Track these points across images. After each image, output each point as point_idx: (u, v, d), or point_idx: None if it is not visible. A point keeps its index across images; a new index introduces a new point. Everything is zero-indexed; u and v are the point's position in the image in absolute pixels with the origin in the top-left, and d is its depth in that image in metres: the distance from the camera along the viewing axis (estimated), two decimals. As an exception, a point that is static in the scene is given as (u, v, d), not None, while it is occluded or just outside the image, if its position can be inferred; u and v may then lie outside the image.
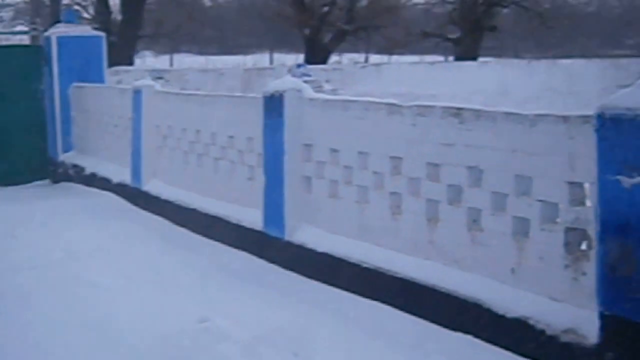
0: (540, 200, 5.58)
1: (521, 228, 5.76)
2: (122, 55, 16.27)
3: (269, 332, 6.17)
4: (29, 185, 14.59)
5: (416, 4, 32.01)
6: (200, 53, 40.09)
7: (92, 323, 6.55)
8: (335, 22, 27.32)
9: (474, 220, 6.14)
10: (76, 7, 23.75)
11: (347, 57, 31.11)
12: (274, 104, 8.19)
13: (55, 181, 14.65)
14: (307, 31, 26.24)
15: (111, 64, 16.83)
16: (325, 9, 27.42)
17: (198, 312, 6.53)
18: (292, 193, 8.09)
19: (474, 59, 24.72)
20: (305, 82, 8.09)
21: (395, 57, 22.56)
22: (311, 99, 7.92)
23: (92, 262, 8.50)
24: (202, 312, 6.56)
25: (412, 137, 6.65)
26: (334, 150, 7.64)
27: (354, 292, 7.14)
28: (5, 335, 6.40)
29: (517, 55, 24.26)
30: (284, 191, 8.13)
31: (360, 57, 33.00)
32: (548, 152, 5.48)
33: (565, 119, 5.36)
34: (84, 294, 7.38)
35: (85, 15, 27.41)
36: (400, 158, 6.83)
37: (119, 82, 15.71)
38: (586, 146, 5.16)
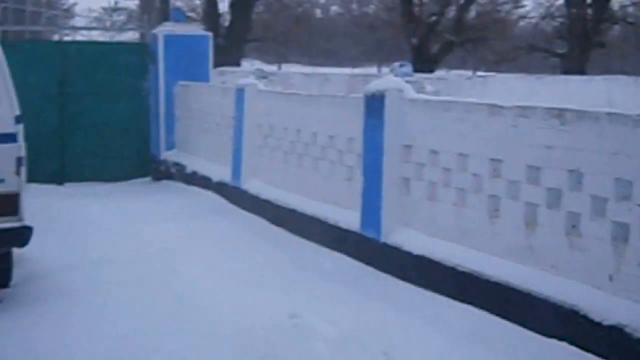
0: (640, 205, 5.60)
1: (620, 233, 5.77)
2: (229, 59, 16.69)
3: (359, 331, 6.32)
4: (130, 182, 15.08)
5: (524, 17, 31.71)
6: (310, 64, 40.58)
7: (182, 313, 6.81)
8: (444, 33, 27.32)
9: (573, 225, 6.17)
10: (185, 9, 24.46)
11: (454, 74, 31.06)
12: (374, 104, 8.35)
13: (157, 179, 15.11)
14: (414, 41, 26.32)
15: (218, 66, 17.30)
16: (434, 18, 27.44)
17: (289, 308, 6.72)
18: (389, 194, 8.23)
19: (581, 74, 24.40)
20: (407, 82, 8.22)
21: (501, 75, 22.36)
22: (412, 99, 8.05)
23: (187, 257, 8.78)
24: (293, 308, 6.75)
25: (512, 139, 6.71)
26: (434, 152, 7.75)
27: (448, 295, 7.23)
28: (94, 323, 6.69)
29: (623, 72, 23.77)
30: (381, 192, 8.28)
31: (466, 73, 32.91)
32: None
33: (671, 120, 5.38)
34: (176, 287, 7.65)
35: (194, 16, 28.13)
36: (500, 160, 6.90)
37: (224, 82, 16.13)
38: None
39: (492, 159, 6.98)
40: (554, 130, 6.27)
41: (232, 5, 24.58)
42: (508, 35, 29.10)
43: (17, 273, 8.20)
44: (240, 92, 11.88)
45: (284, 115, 10.80)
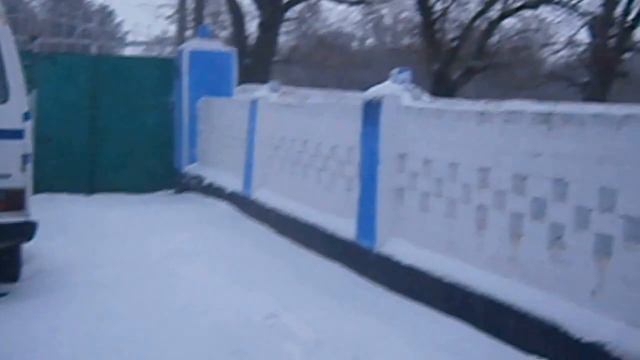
0: (625, 216, 4.97)
1: (604, 247, 5.15)
2: (256, 79, 16.28)
3: (335, 336, 5.81)
4: (155, 193, 14.69)
5: (545, 45, 30.88)
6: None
7: (165, 310, 6.50)
8: (465, 59, 26.69)
9: (557, 237, 5.56)
10: (214, 27, 24.20)
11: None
12: (371, 111, 7.82)
13: (179, 191, 14.69)
14: (435, 66, 25.71)
15: (245, 84, 16.90)
16: (455, 43, 26.85)
17: (268, 310, 6.26)
18: (384, 204, 7.67)
19: (602, 103, 23.53)
20: (405, 89, 7.64)
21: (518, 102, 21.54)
22: (408, 107, 7.49)
23: (189, 261, 8.46)
24: (272, 310, 6.28)
25: (500, 147, 6.13)
26: (427, 161, 7.18)
27: (434, 307, 6.66)
28: (85, 317, 6.40)
29: (645, 102, 22.80)
30: (376, 201, 7.73)
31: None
32: (635, 159, 4.88)
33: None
34: (172, 285, 7.34)
35: (222, 34, 27.90)
36: (488, 169, 6.31)
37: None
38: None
39: (481, 168, 6.39)
40: (541, 135, 5.68)
41: (259, 26, 24.24)
42: (529, 63, 28.30)
43: (27, 269, 8.04)
44: (253, 104, 11.43)
45: (293, 127, 10.31)
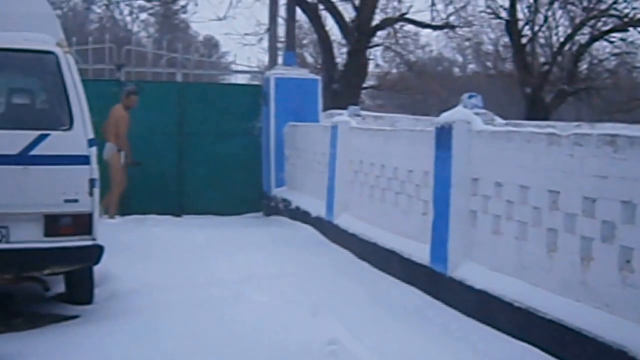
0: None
1: (673, 270, 4.97)
2: (344, 103, 16.35)
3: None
4: (243, 216, 14.80)
5: (638, 68, 29.94)
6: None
7: (234, 332, 6.47)
8: (557, 82, 26.22)
9: (627, 260, 5.39)
10: (300, 52, 24.38)
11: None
12: (443, 136, 7.74)
13: (268, 214, 14.79)
14: (528, 90, 25.33)
15: (332, 109, 16.96)
16: (546, 67, 26.42)
17: (333, 335, 6.19)
18: (456, 227, 7.57)
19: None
20: (476, 113, 7.56)
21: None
22: (479, 131, 7.39)
23: (263, 284, 8.43)
24: (337, 335, 6.21)
25: (569, 169, 5.98)
26: (498, 184, 7.07)
27: (505, 332, 6.52)
28: (153, 340, 6.45)
29: None
30: (449, 225, 7.63)
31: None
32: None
33: None
34: (239, 308, 7.33)
35: (309, 60, 28.09)
36: (557, 192, 6.17)
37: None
38: None
39: (551, 191, 6.25)
40: (608, 158, 5.52)
41: (348, 53, 24.31)
42: (622, 86, 27.55)
43: (101, 291, 8.15)
44: (334, 129, 11.46)
45: (371, 151, 10.29)
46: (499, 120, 7.61)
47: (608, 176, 5.53)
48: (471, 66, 40.57)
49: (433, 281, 7.90)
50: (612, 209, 5.51)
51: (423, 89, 27.96)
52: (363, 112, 13.32)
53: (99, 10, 38.78)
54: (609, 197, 5.54)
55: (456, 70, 44.39)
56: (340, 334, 6.27)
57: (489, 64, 32.10)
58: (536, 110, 24.59)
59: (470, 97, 7.64)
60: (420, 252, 8.29)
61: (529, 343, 6.15)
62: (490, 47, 31.06)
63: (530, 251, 6.54)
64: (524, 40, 26.54)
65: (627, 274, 5.35)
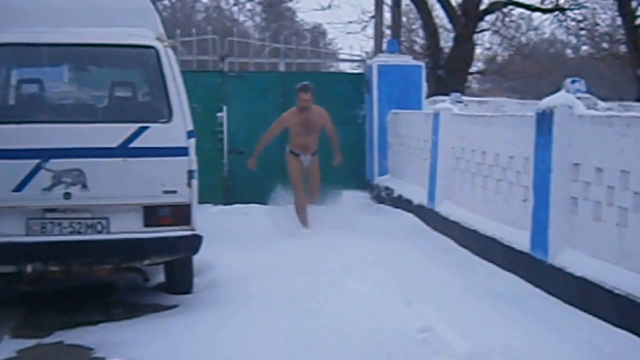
0: None
1: None
2: (450, 89, 16.30)
3: (492, 348, 5.74)
4: (346, 205, 14.90)
5: None
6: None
7: (327, 320, 6.55)
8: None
9: None
10: (408, 38, 24.33)
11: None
12: (544, 121, 7.70)
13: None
14: (639, 71, 24.60)
15: (438, 96, 16.92)
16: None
17: (426, 323, 6.25)
18: (557, 214, 7.53)
19: None
20: (579, 98, 7.49)
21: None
22: (581, 116, 7.33)
23: (360, 272, 8.47)
24: (430, 323, 6.27)
25: (670, 154, 5.91)
26: (599, 170, 7.00)
27: (607, 320, 6.47)
28: (257, 329, 6.65)
29: None
30: (549, 212, 7.60)
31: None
32: None
33: None
34: (334, 297, 7.38)
35: (416, 47, 27.95)
36: (658, 177, 6.10)
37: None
38: None
39: (652, 176, 6.17)
40: None
41: (455, 38, 24.11)
42: None
43: (200, 280, 8.40)
44: (436, 116, 11.49)
45: (472, 138, 10.28)
46: (601, 104, 7.51)
47: None
48: (584, 48, 39.65)
49: (533, 268, 7.88)
50: None
51: (531, 71, 27.48)
52: (466, 98, 13.26)
53: (205, 0, 39.53)
54: None
55: (569, 52, 43.39)
56: (435, 321, 6.33)
57: (604, 45, 31.28)
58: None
59: (573, 81, 7.58)
60: (520, 239, 8.26)
61: (630, 331, 6.10)
62: (604, 28, 30.26)
63: (631, 237, 6.48)
64: (637, 22, 25.79)
65: None
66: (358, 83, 15.27)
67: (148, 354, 6.18)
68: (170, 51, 7.56)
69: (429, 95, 15.92)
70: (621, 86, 24.83)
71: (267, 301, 7.49)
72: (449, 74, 22.60)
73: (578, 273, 7.02)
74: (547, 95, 8.08)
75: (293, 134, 12.28)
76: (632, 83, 26.36)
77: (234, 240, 10.40)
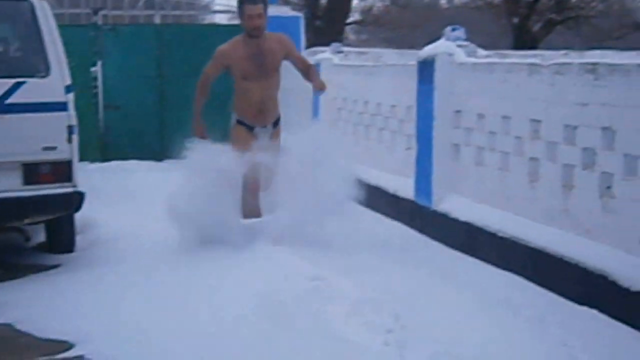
0: (671, 162, 4.92)
1: (652, 193, 5.10)
2: (327, 40, 16.32)
3: (381, 294, 5.82)
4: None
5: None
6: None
7: (210, 277, 6.44)
8: (545, 12, 26.13)
9: (607, 186, 5.52)
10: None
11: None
12: (425, 70, 7.82)
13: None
14: (515, 20, 25.27)
15: (315, 47, 16.88)
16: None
17: (315, 273, 6.28)
18: (440, 161, 7.69)
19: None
20: (459, 46, 7.62)
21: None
22: (461, 63, 7.47)
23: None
24: (322, 272, 6.31)
25: (550, 98, 6.09)
26: (481, 116, 7.17)
27: (490, 262, 6.68)
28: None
29: None
30: (432, 159, 7.75)
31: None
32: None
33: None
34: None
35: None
36: (539, 121, 6.28)
37: (316, 61, 15.72)
38: None
39: (533, 120, 6.36)
40: (589, 86, 5.62)
41: (330, -13, 24.18)
42: (612, 13, 27.47)
43: (82, 239, 8.17)
44: (317, 67, 11.47)
45: (354, 88, 10.36)
46: (481, 52, 7.67)
47: (589, 103, 5.63)
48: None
49: (418, 215, 8.05)
50: (592, 136, 5.64)
51: (407, 22, 27.81)
52: (346, 49, 13.31)
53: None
54: (590, 124, 5.65)
55: (443, 2, 44.02)
56: (324, 270, 6.35)
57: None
58: (524, 40, 24.55)
59: (453, 29, 7.71)
60: (404, 187, 8.42)
61: (513, 272, 6.31)
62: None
63: (513, 181, 6.68)
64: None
65: (608, 200, 5.49)
66: (236, 35, 15.05)
67: (33, 314, 6.03)
68: (45, 4, 7.30)
69: (307, 47, 15.85)
70: (494, 36, 25.38)
71: (152, 259, 7.38)
72: (326, 24, 22.62)
73: (462, 218, 7.21)
74: (423, 46, 8.19)
75: (238, 87, 7.82)
76: (507, 32, 27.03)
77: (115, 198, 10.20)
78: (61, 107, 7.22)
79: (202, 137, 7.75)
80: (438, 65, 7.61)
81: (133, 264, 7.22)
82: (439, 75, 7.61)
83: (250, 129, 7.65)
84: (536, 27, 26.25)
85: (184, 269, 6.82)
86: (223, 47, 7.97)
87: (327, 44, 14.10)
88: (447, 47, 7.65)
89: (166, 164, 14.09)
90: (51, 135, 7.13)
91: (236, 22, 15.80)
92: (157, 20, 14.96)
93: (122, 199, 10.24)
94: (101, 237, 8.30)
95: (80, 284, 6.66)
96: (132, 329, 5.63)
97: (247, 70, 7.61)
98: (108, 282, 6.67)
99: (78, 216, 7.77)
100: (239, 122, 7.74)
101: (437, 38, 8.02)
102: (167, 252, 7.51)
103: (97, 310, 6.02)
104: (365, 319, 5.37)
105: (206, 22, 22.79)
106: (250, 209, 7.42)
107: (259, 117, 7.67)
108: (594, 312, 5.35)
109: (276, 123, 7.84)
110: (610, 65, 5.42)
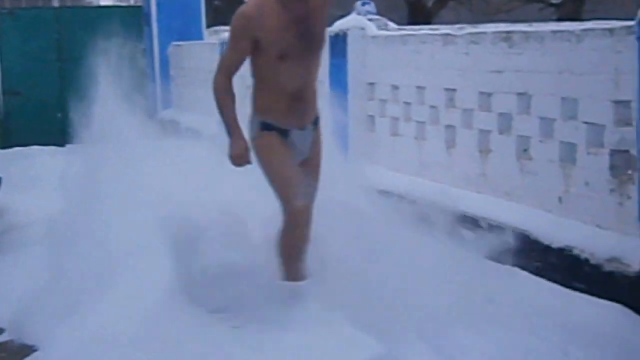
0: (586, 123, 5.14)
1: (568, 154, 5.32)
2: (227, 19, 16.20)
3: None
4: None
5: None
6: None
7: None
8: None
9: (524, 149, 5.74)
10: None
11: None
12: (338, 44, 7.90)
13: (155, 137, 14.67)
14: (406, -6, 25.64)
15: (215, 26, 16.80)
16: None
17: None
18: (355, 132, 7.81)
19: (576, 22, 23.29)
20: (370, 20, 7.75)
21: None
22: (374, 37, 7.60)
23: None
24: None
25: (465, 67, 6.28)
26: (395, 87, 7.32)
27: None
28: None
29: (620, 19, 22.35)
30: (348, 131, 7.85)
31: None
32: (594, 70, 5.03)
33: (611, 31, 4.90)
34: None
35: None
36: (454, 90, 6.46)
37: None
38: (631, 60, 4.70)
39: (448, 89, 6.54)
40: (503, 54, 5.82)
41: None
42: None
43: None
44: (220, 46, 11.46)
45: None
46: (392, 25, 7.81)
47: (503, 70, 5.83)
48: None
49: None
50: (508, 101, 5.84)
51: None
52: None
53: None
54: (505, 91, 5.85)
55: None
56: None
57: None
58: (417, 15, 24.84)
59: (363, 4, 7.82)
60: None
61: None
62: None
63: (429, 149, 6.85)
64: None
65: (525, 162, 5.70)
66: (137, 16, 14.90)
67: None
68: None
69: (208, 26, 15.78)
70: (384, 12, 25.63)
71: (64, 243, 7.30)
72: (226, 3, 22.42)
73: (380, 187, 7.31)
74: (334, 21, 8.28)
75: (267, 72, 4.77)
76: (395, 8, 27.29)
77: (20, 184, 9.99)
78: None
79: (246, 161, 4.72)
80: (350, 39, 7.73)
81: (43, 249, 7.14)
82: (351, 49, 7.73)
83: (284, 134, 4.80)
84: (430, 3, 26.61)
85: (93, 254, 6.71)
86: (247, 9, 4.81)
87: (226, 24, 14.02)
88: (359, 21, 7.76)
89: (68, 148, 13.89)
90: None
91: (138, 4, 15.74)
92: (55, 3, 14.61)
93: (28, 184, 10.04)
94: (17, 223, 8.17)
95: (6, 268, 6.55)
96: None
97: (287, 45, 4.66)
98: (18, 268, 6.55)
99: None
100: (265, 127, 4.78)
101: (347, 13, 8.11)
102: (78, 237, 7.43)
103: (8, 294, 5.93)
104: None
105: (109, 3, 22.44)
106: (297, 270, 4.90)
107: (296, 115, 4.79)
108: (516, 269, 5.55)
109: (316, 122, 5.01)
110: (524, 32, 5.62)
